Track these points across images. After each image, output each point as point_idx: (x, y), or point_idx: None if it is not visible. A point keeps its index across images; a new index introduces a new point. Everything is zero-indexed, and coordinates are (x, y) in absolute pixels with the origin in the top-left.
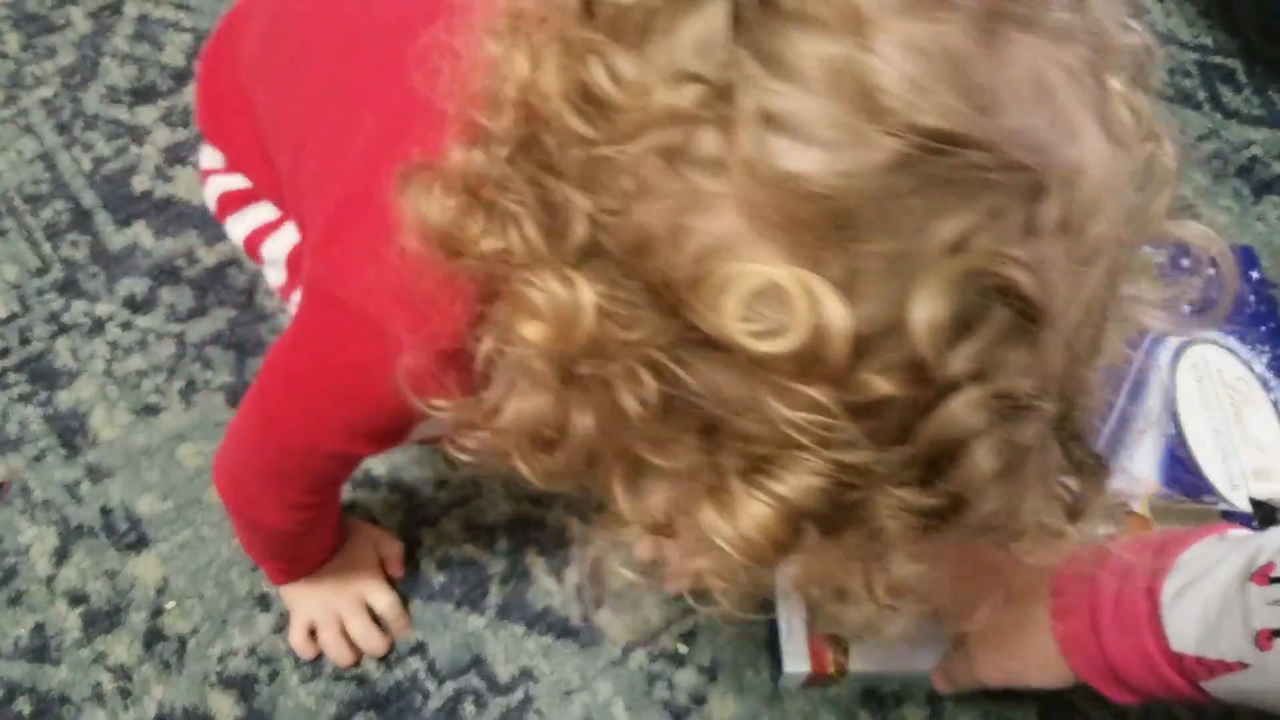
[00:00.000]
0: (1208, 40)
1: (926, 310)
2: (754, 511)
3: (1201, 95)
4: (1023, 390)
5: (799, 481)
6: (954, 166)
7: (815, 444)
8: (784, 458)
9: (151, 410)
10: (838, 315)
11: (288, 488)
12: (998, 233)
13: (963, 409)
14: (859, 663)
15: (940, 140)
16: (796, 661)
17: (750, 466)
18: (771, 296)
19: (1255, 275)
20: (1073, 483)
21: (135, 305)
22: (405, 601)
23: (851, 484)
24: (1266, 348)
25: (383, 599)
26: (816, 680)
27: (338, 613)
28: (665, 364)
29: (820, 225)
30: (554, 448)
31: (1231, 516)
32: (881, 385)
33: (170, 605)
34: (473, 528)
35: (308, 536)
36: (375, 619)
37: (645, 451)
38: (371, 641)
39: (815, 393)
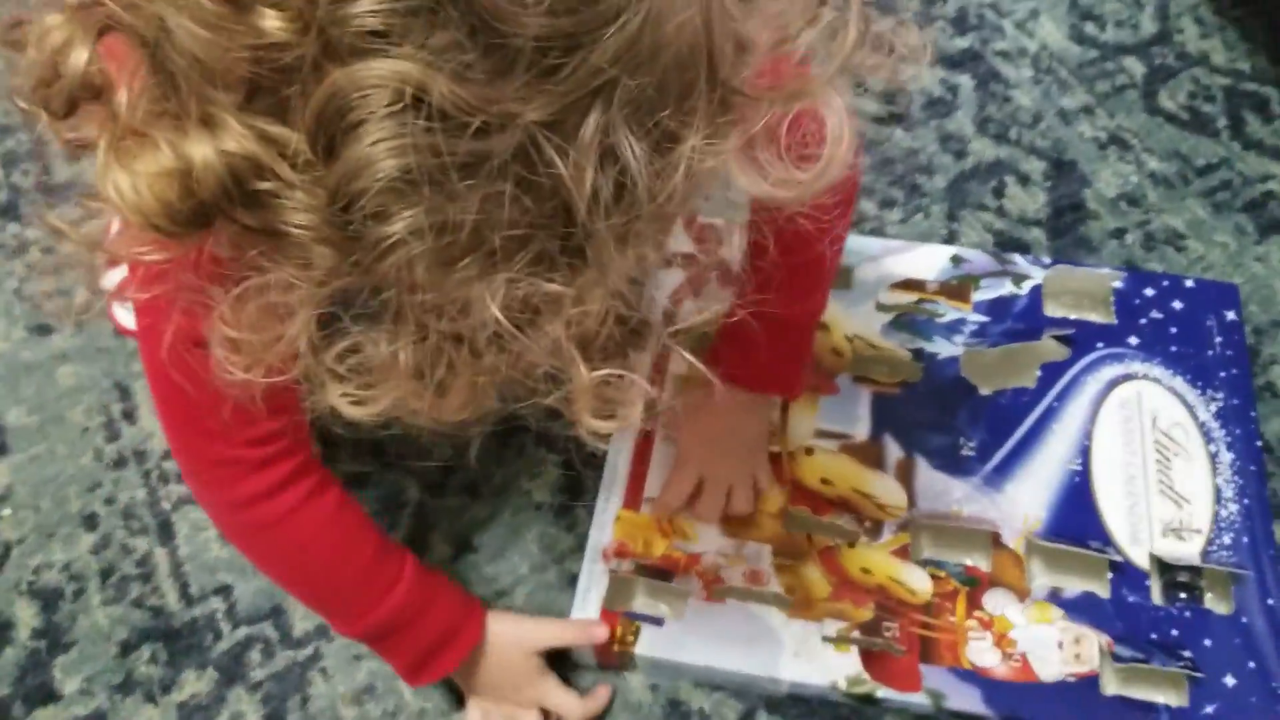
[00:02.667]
0: (1245, 66)
1: None
2: (150, 161)
3: (1221, 123)
4: (445, 91)
5: (204, 144)
6: None
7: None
8: (199, 116)
9: (44, 330)
10: None
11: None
12: None
13: (347, 76)
14: (646, 646)
15: None
16: None
17: (174, 118)
18: None
19: (1231, 316)
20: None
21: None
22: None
23: (256, 158)
24: (1221, 394)
25: (565, 702)
26: (604, 658)
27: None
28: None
29: None
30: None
31: (1122, 570)
32: (271, 23)
33: (6, 513)
34: None
35: (347, 555)
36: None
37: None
38: None
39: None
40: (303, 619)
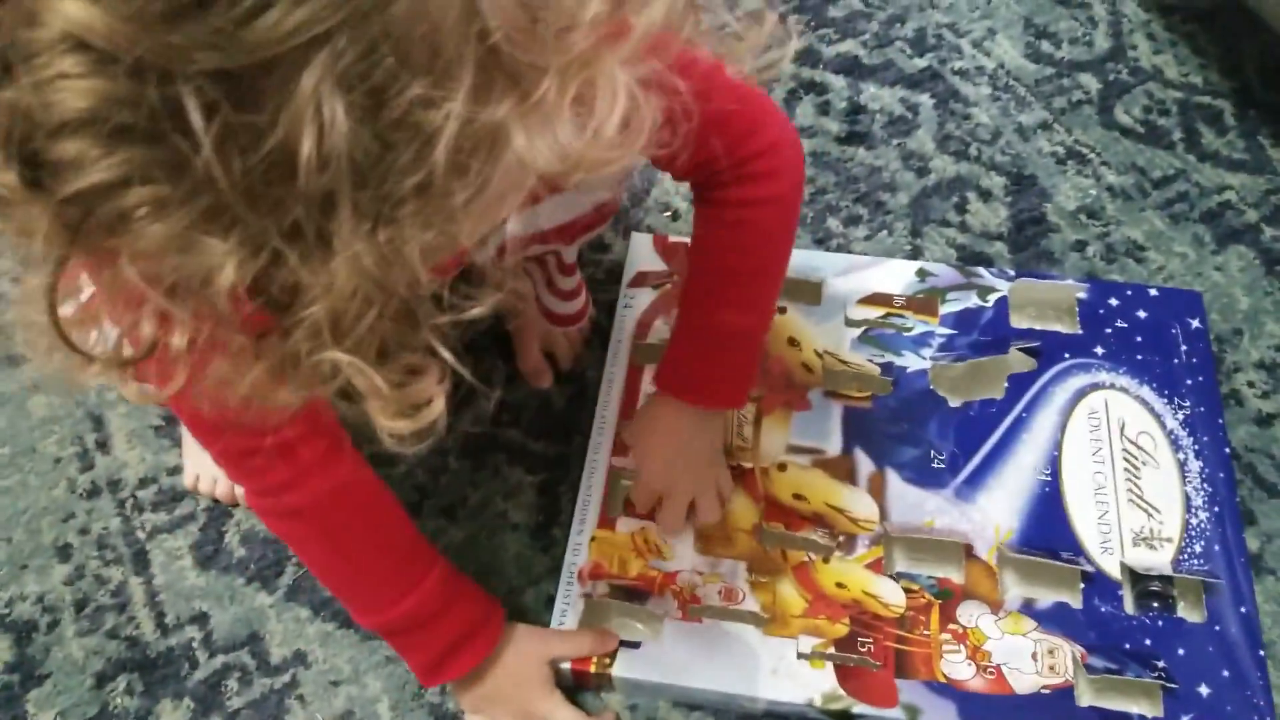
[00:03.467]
0: (1197, 80)
1: None
2: None
3: (1176, 135)
4: (103, 30)
5: None
6: None
7: None
8: None
9: (14, 361)
10: None
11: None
12: None
13: (21, 12)
14: (623, 668)
15: None
16: None
17: None
18: None
19: (1195, 324)
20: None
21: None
22: None
23: None
24: (1188, 402)
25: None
26: (582, 679)
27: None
28: None
29: None
30: None
31: (1094, 581)
32: None
33: None
34: None
35: (371, 537)
36: None
37: None
38: None
39: None
40: (280, 645)
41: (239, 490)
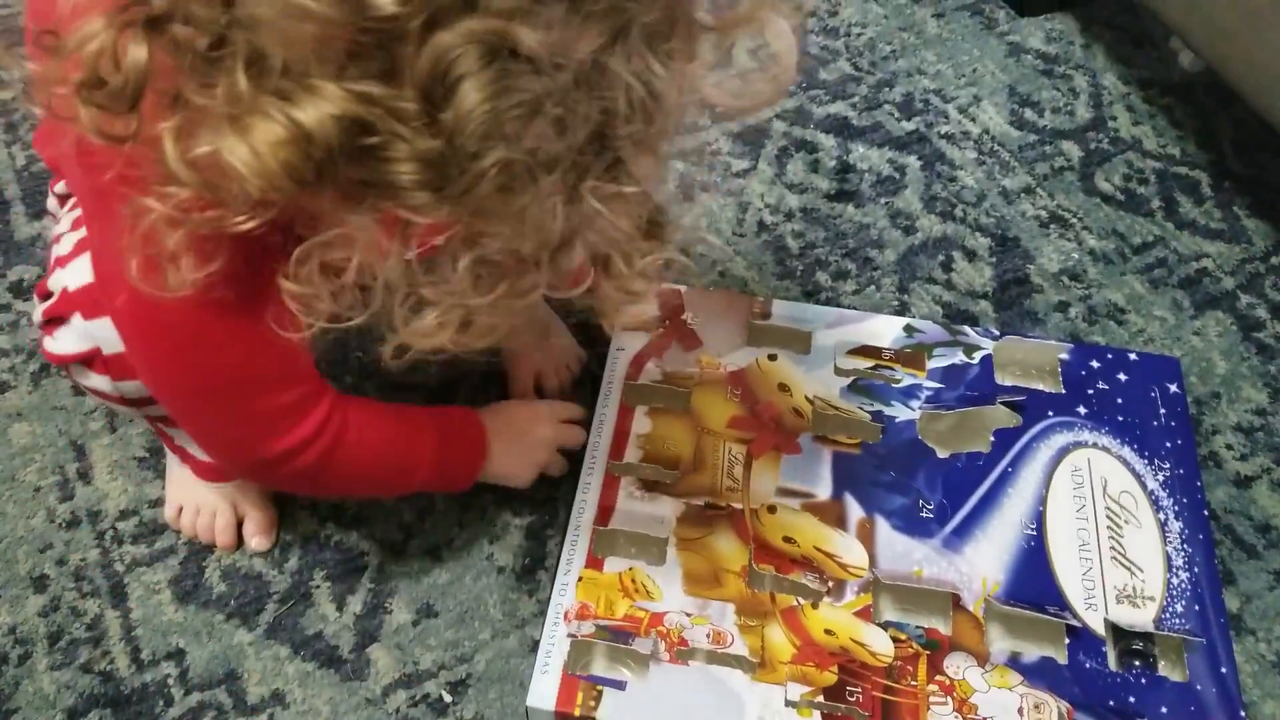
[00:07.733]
0: (1175, 151)
1: None
2: (267, 131)
3: (1155, 203)
4: (524, 41)
5: (314, 109)
6: None
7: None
8: (300, 87)
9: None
10: None
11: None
12: None
13: (450, 38)
14: (608, 711)
15: None
16: (542, 696)
17: (275, 93)
18: None
19: (1173, 389)
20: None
21: (19, 291)
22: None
23: (362, 118)
24: (1167, 464)
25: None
26: None
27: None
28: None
29: None
30: (106, 87)
31: (1079, 636)
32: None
33: None
34: None
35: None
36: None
37: (192, 93)
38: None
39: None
40: (258, 684)
41: (220, 534)
